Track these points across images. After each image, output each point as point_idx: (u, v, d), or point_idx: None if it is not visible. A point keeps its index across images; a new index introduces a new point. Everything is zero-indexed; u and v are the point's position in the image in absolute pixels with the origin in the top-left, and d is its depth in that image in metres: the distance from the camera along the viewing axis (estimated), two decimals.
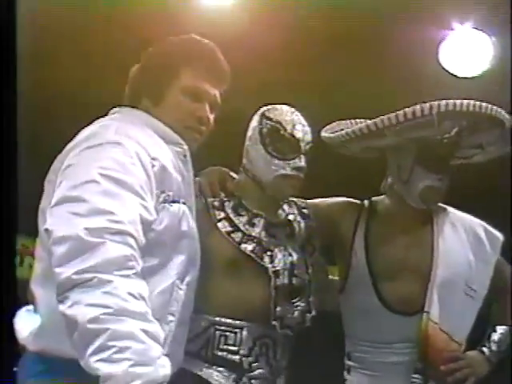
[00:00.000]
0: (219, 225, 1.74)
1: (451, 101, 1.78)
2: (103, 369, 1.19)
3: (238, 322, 1.71)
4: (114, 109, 1.60)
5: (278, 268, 1.74)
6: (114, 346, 1.19)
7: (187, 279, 1.51)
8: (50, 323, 1.37)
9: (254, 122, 1.83)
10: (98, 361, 1.20)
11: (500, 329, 1.99)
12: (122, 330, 1.21)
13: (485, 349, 1.97)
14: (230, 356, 1.70)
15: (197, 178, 1.82)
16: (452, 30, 3.67)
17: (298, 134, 1.78)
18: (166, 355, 1.29)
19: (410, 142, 1.88)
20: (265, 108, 1.84)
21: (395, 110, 1.80)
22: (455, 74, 3.67)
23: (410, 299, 1.87)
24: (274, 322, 1.71)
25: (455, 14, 3.66)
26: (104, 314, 1.21)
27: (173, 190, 1.48)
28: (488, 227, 2.03)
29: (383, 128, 1.82)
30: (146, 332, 1.23)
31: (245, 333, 1.71)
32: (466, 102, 1.78)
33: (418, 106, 1.77)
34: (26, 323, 1.47)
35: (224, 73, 1.65)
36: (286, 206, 1.89)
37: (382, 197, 2.03)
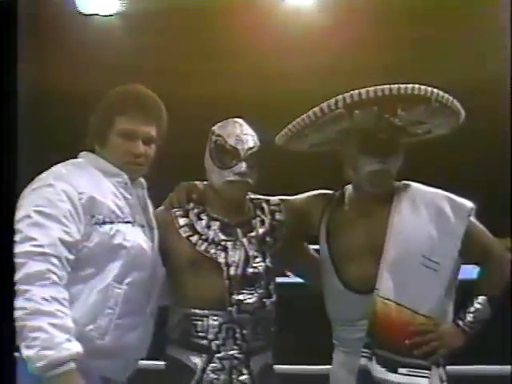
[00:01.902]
0: (181, 230, 2.05)
1: (356, 91, 1.88)
2: (25, 353, 1.67)
3: (203, 311, 2.00)
4: (80, 153, 2.04)
5: (230, 261, 2.00)
6: (29, 337, 1.66)
7: (128, 280, 1.88)
8: None
9: (208, 139, 2.11)
10: (23, 347, 1.67)
11: (479, 299, 2.00)
12: (34, 325, 1.66)
13: (459, 320, 1.99)
14: (200, 341, 2.00)
15: (170, 194, 2.16)
16: None
17: (237, 144, 2.03)
18: (101, 338, 1.80)
19: (345, 133, 1.99)
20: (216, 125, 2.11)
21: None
22: None
23: (367, 278, 1.97)
24: (229, 309, 1.97)
25: None
26: (23, 314, 1.67)
27: (103, 214, 1.87)
28: (454, 198, 2.04)
29: (302, 129, 1.97)
30: (52, 325, 1.67)
31: (210, 320, 1.99)
32: (371, 89, 1.87)
33: (324, 103, 1.90)
34: None
35: (153, 113, 2.00)
36: (252, 207, 2.13)
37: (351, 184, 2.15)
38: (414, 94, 1.88)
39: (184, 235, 2.04)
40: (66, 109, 4.78)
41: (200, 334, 2.00)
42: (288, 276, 2.32)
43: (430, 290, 1.97)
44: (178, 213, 2.08)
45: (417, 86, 1.88)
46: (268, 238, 2.08)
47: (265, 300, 2.01)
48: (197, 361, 2.00)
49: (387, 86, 1.87)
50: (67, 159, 1.99)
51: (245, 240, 2.05)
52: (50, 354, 1.64)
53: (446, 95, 1.93)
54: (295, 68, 4.39)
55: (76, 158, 2.02)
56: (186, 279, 2.03)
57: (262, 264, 2.03)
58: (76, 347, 1.70)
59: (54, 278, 1.72)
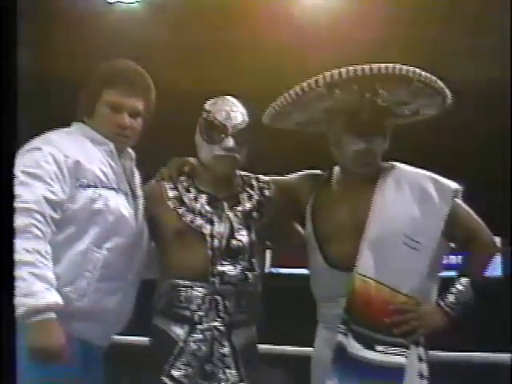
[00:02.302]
0: (169, 202, 2.09)
1: (336, 70, 1.90)
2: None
3: (187, 282, 2.03)
4: (72, 123, 2.11)
5: (214, 233, 2.04)
6: None
7: (108, 245, 1.94)
8: None
9: (200, 116, 2.15)
10: None
11: (462, 280, 2.00)
12: (16, 275, 1.67)
13: (440, 301, 2.00)
14: (183, 311, 2.03)
15: (162, 168, 2.21)
16: None
17: (226, 120, 2.07)
18: (80, 300, 1.86)
19: (329, 113, 2.02)
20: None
21: None
22: None
23: (348, 256, 1.98)
24: (212, 279, 2.01)
25: None
26: None
27: (87, 178, 1.93)
28: (439, 179, 2.05)
29: (285, 107, 2.00)
30: (32, 274, 1.73)
31: (193, 291, 2.02)
32: (351, 68, 1.89)
33: (305, 82, 1.93)
34: None
35: (140, 87, 2.06)
36: (241, 182, 2.17)
37: None
38: (395, 73, 1.89)
39: (171, 206, 2.09)
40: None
41: (183, 304, 2.03)
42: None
43: (412, 270, 1.97)
44: (167, 185, 2.13)
45: (398, 65, 1.90)
46: (254, 213, 2.11)
47: (247, 273, 2.04)
48: (179, 331, 2.03)
49: (367, 65, 1.89)
50: None
51: (231, 213, 2.08)
52: (29, 301, 1.71)
53: (429, 75, 1.94)
54: (310, 63, 4.43)
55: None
56: (172, 250, 2.07)
57: (247, 237, 2.06)
58: (55, 298, 1.76)
59: (37, 232, 1.79)
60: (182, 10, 4.67)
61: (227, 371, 2.01)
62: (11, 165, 1.79)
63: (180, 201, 2.09)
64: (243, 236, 2.06)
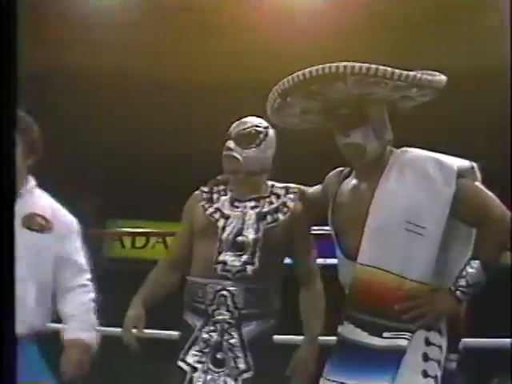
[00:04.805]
0: (201, 203, 2.30)
1: (285, 79, 1.96)
2: None
3: (202, 279, 2.20)
4: None
5: (226, 227, 2.20)
6: None
7: None
8: None
9: None
10: None
11: (472, 263, 1.88)
12: None
13: (451, 285, 1.89)
14: (199, 305, 2.19)
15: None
16: None
17: (231, 129, 2.27)
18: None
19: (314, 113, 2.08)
20: None
21: None
22: None
23: (357, 247, 1.97)
24: (214, 266, 2.16)
25: None
26: None
27: None
28: (443, 161, 1.96)
29: (272, 115, 2.12)
30: None
31: (207, 288, 2.18)
32: (286, 79, 1.95)
33: (270, 94, 2.03)
34: None
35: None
36: (269, 191, 2.29)
37: None
38: (325, 73, 1.88)
39: (201, 206, 2.29)
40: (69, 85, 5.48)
41: (200, 299, 2.19)
42: None
43: (418, 255, 1.90)
44: (205, 189, 2.34)
45: (328, 64, 1.88)
46: (268, 217, 2.23)
47: (247, 266, 2.17)
48: (196, 322, 2.19)
49: (301, 71, 1.92)
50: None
51: (247, 213, 2.23)
52: None
53: (366, 66, 1.86)
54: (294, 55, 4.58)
55: None
56: (196, 247, 2.26)
57: (253, 235, 2.19)
58: None
59: None
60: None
61: (236, 360, 2.13)
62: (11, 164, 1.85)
63: (209, 201, 2.30)
64: (250, 233, 2.19)
